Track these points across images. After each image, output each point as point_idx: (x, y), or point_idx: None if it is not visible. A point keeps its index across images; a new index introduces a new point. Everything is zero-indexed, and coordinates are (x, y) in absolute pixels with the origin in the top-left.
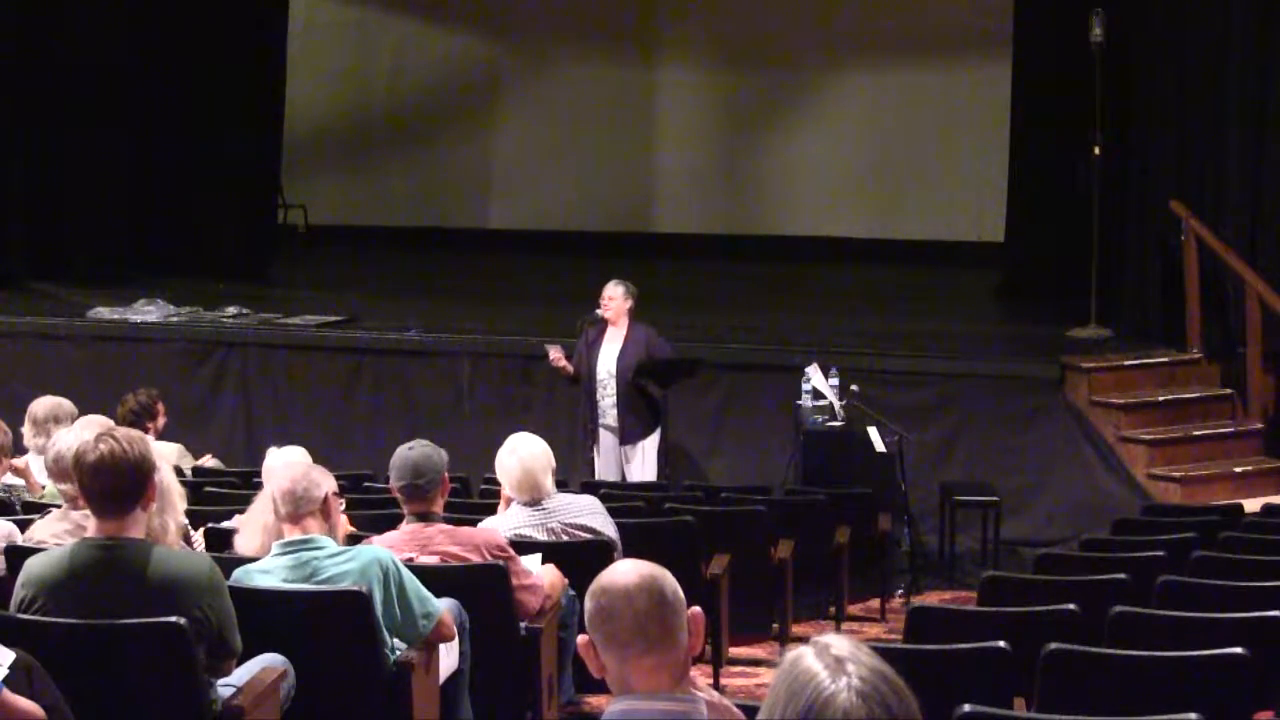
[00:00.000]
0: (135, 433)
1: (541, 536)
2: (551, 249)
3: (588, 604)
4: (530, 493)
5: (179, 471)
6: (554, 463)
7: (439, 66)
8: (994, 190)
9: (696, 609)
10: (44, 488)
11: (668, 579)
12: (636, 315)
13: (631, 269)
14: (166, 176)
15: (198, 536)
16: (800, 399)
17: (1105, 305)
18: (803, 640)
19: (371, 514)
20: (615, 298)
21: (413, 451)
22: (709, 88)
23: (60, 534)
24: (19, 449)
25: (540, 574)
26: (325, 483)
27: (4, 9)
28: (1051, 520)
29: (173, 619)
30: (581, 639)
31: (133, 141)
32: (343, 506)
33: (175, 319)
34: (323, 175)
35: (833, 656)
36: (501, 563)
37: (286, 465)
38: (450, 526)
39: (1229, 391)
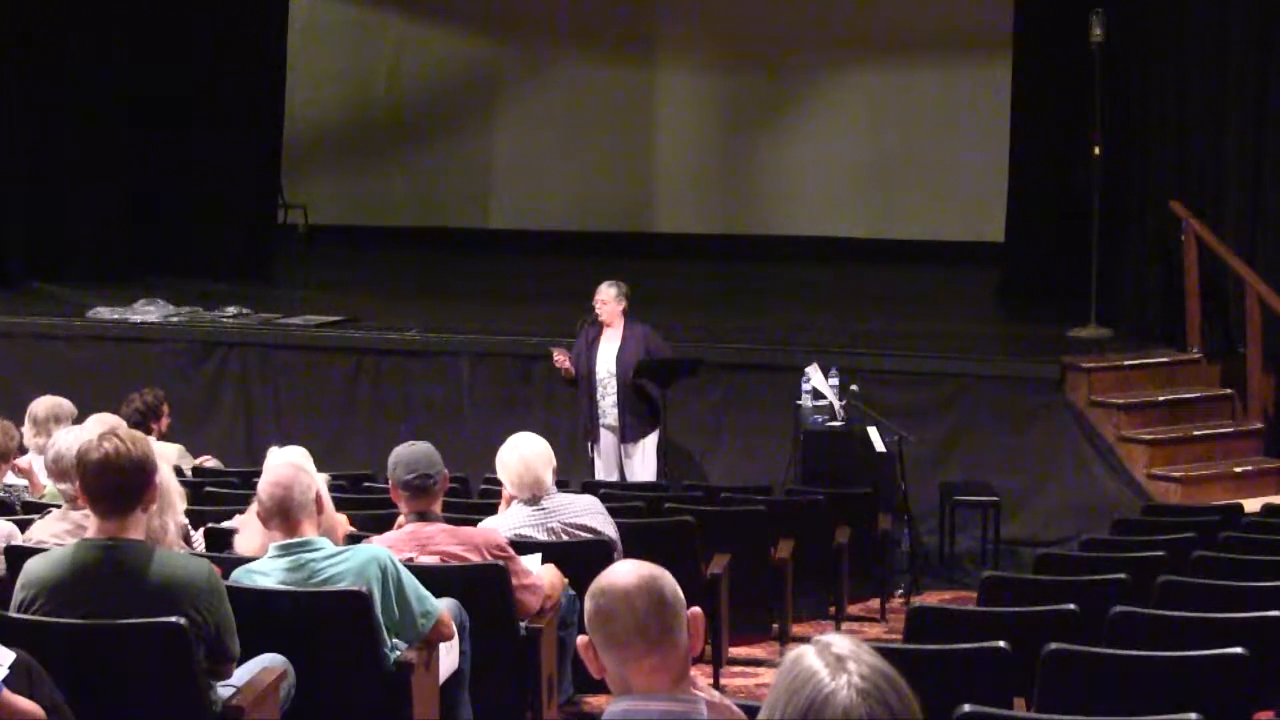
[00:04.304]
0: (138, 433)
1: (541, 536)
2: (551, 249)
3: (587, 605)
4: (531, 490)
5: (179, 471)
6: (554, 461)
7: (439, 66)
8: (994, 190)
9: (696, 609)
10: (45, 487)
11: (667, 579)
12: (634, 315)
13: (631, 269)
14: (166, 176)
15: (198, 536)
16: (800, 399)
17: (1105, 305)
18: (803, 640)
19: (371, 514)
20: (608, 300)
21: (414, 448)
22: (709, 88)
23: (60, 534)
24: (22, 449)
25: (540, 574)
26: (314, 482)
27: (4, 9)
28: (1051, 520)
29: (172, 619)
30: (581, 639)
31: (133, 142)
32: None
33: (175, 319)
34: (323, 175)
35: (833, 655)
36: (501, 562)
37: (272, 470)
38: (450, 526)
39: (1229, 391)
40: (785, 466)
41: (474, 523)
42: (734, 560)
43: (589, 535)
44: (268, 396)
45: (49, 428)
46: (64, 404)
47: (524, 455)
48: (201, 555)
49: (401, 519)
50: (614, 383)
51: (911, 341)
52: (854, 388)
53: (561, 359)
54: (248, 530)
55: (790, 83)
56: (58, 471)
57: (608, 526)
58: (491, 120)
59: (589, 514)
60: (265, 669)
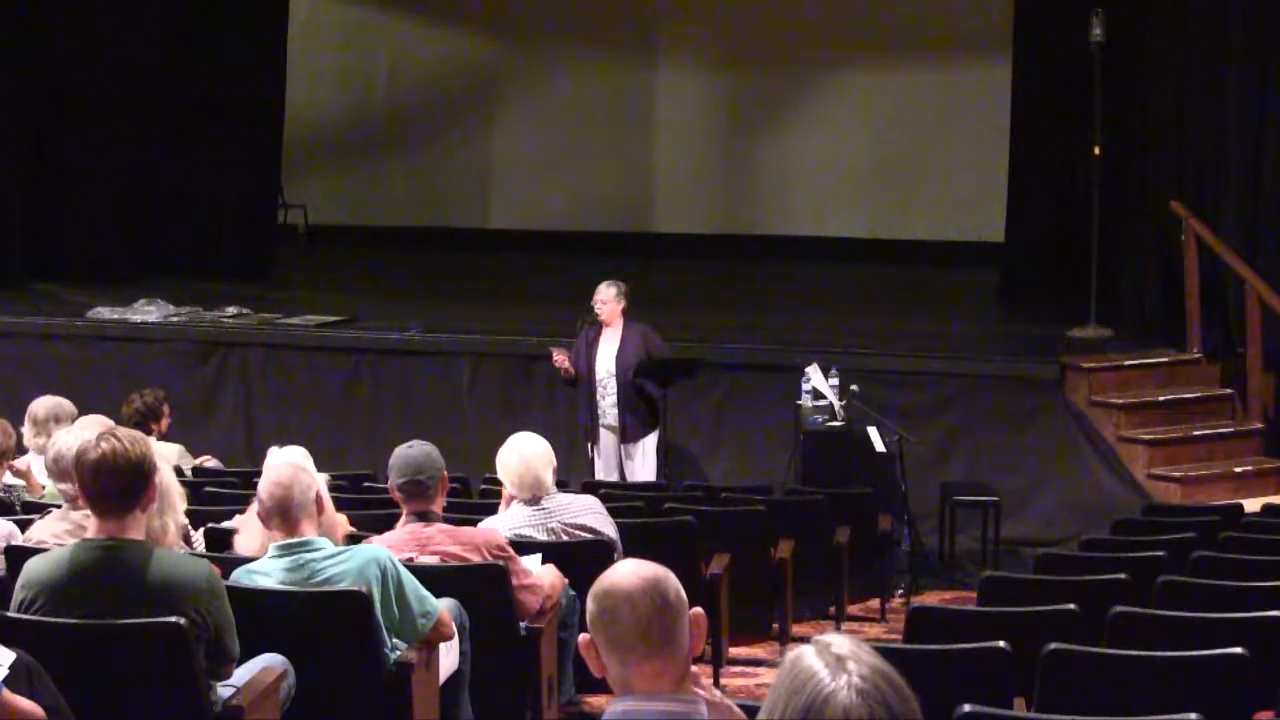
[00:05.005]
0: (136, 433)
1: (541, 536)
2: (551, 249)
3: (589, 605)
4: (532, 490)
5: (179, 471)
6: (555, 461)
7: (439, 66)
8: (994, 190)
9: (698, 610)
10: (44, 488)
11: (670, 581)
12: (634, 315)
13: (631, 269)
14: (166, 176)
15: (198, 536)
16: (800, 399)
17: (1105, 305)
18: (803, 640)
19: (371, 514)
20: (608, 300)
21: (412, 450)
22: (709, 88)
23: (60, 534)
24: (20, 449)
25: (540, 574)
26: (314, 482)
27: (4, 9)
28: (1051, 520)
29: (172, 619)
30: (583, 638)
31: (133, 141)
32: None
33: (175, 319)
34: (323, 175)
35: (833, 655)
36: (501, 563)
37: (272, 470)
38: (450, 526)
39: (1229, 391)
40: (785, 466)
41: (474, 523)
42: (734, 560)
43: (589, 535)
44: (268, 396)
45: (49, 428)
46: (64, 404)
47: (524, 455)
48: (201, 555)
49: (402, 519)
50: (614, 383)
51: (911, 341)
52: (854, 388)
53: (561, 359)
54: (248, 530)
55: (790, 83)
56: (58, 471)
57: (607, 526)
58: (491, 120)
59: (589, 514)
60: (265, 669)
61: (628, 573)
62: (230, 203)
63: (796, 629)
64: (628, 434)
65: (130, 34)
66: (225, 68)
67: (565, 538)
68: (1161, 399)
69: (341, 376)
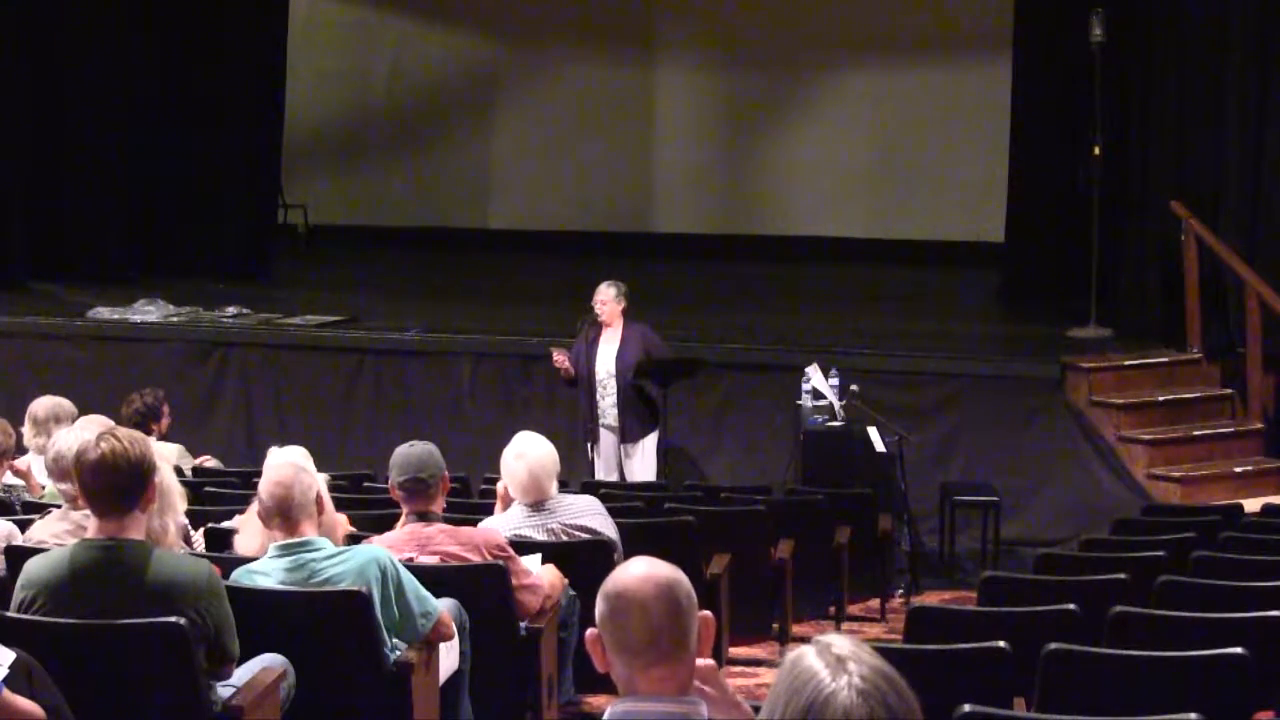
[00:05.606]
0: (136, 433)
1: (541, 537)
2: (551, 249)
3: (600, 605)
4: (534, 496)
5: (179, 471)
6: (559, 466)
7: (439, 66)
8: (994, 190)
9: (707, 613)
10: (44, 488)
11: (683, 585)
12: (634, 315)
13: (631, 269)
14: (166, 177)
15: (198, 536)
16: (800, 399)
17: (1105, 305)
18: (803, 640)
19: (371, 514)
20: (607, 300)
21: (413, 449)
22: (709, 88)
23: (60, 534)
24: (20, 449)
25: (540, 574)
26: (315, 482)
27: (4, 8)
28: (1051, 520)
29: (172, 619)
30: (591, 633)
31: (133, 142)
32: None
33: (175, 319)
34: (323, 175)
35: (834, 655)
36: (501, 562)
37: (273, 470)
38: (450, 526)
39: (1229, 391)
40: (785, 466)
41: (474, 523)
42: (734, 560)
43: (589, 536)
44: (268, 396)
45: (49, 428)
46: (64, 404)
47: (529, 464)
48: (201, 555)
49: (402, 519)
50: (614, 383)
51: (911, 341)
52: (854, 388)
53: (561, 359)
54: (248, 530)
55: (790, 83)
56: (58, 471)
57: (607, 527)
58: (491, 120)
59: (589, 514)
60: (265, 669)
61: (641, 575)
62: (230, 203)
63: (796, 629)
64: (627, 434)
65: (130, 34)
66: (225, 68)
67: (565, 538)
68: (1161, 399)
69: (341, 376)
